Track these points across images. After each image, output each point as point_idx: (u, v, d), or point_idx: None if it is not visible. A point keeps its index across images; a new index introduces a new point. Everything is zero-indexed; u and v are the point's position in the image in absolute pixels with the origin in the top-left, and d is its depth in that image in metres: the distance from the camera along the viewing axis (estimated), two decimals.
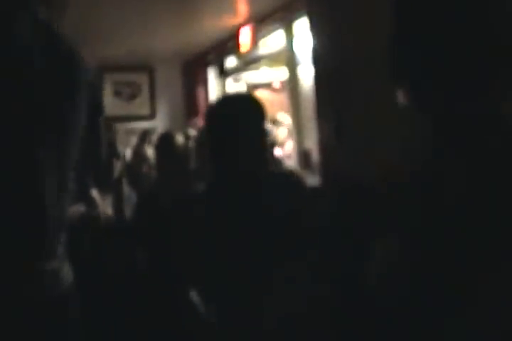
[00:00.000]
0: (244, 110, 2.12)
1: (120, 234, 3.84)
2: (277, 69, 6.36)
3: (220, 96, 2.59)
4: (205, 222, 2.06)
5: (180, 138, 4.23)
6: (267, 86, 6.61)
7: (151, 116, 7.83)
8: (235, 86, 6.92)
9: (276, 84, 6.56)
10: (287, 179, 2.25)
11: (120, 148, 4.91)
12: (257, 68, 6.47)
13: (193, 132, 4.54)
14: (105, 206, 4.07)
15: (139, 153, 4.98)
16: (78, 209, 3.59)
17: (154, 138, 5.74)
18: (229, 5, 5.01)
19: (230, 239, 2.01)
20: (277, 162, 4.87)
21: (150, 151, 5.45)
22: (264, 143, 2.17)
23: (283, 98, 5.87)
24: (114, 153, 4.34)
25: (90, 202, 3.73)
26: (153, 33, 5.93)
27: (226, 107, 2.18)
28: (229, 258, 2.01)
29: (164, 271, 2.58)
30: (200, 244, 2.02)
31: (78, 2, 4.41)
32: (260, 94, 6.41)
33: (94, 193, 3.92)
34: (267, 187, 2.10)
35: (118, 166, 4.59)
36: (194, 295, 1.97)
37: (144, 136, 5.71)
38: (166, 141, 4.11)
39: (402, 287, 1.01)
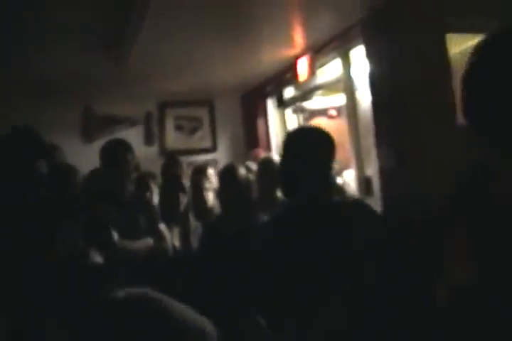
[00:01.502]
0: (314, 143, 2.20)
1: (187, 264, 3.90)
2: (333, 97, 6.38)
3: (291, 130, 2.70)
4: (273, 250, 2.08)
5: (242, 170, 4.29)
6: (324, 113, 6.63)
7: (213, 148, 7.95)
8: (293, 116, 6.96)
9: (333, 112, 6.57)
10: (356, 207, 2.29)
11: (185, 181, 5.00)
12: (314, 96, 6.50)
13: (253, 165, 4.59)
14: (173, 238, 4.16)
15: (200, 185, 5.04)
16: (147, 242, 3.70)
17: (216, 170, 5.83)
18: (286, 37, 5.08)
19: (298, 266, 2.02)
20: (340, 190, 4.85)
21: (210, 184, 5.53)
22: (331, 173, 2.23)
23: (339, 125, 5.88)
24: (180, 187, 4.43)
25: (158, 236, 3.82)
26: (213, 68, 6.08)
27: (296, 140, 2.25)
28: (297, 285, 2.02)
29: (230, 300, 2.60)
30: (267, 273, 2.04)
31: (140, 44, 4.63)
32: (318, 122, 6.44)
33: (162, 227, 4.02)
34: (335, 215, 2.14)
35: (184, 200, 4.67)
36: (260, 321, 1.98)
37: (201, 169, 5.76)
38: (229, 173, 4.17)
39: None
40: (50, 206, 2.36)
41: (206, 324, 1.05)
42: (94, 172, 4.01)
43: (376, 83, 4.28)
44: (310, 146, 2.21)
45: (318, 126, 3.19)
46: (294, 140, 2.29)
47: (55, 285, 2.26)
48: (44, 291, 2.18)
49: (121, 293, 1.28)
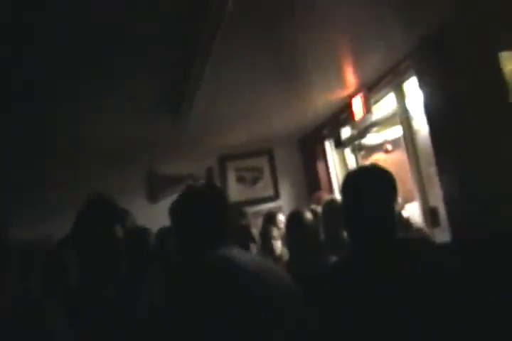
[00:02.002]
0: (375, 181, 2.20)
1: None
2: (386, 131, 6.34)
3: (350, 170, 2.71)
4: (343, 293, 2.04)
5: (308, 214, 4.28)
6: (380, 149, 6.58)
7: (275, 196, 7.97)
8: (352, 155, 6.92)
9: (389, 146, 6.52)
10: (423, 244, 2.25)
11: (254, 231, 5.00)
12: (370, 133, 6.47)
13: (318, 208, 4.56)
14: None
15: (269, 233, 5.03)
16: None
17: (280, 218, 5.83)
18: (338, 78, 5.14)
19: (370, 310, 1.96)
20: (407, 224, 4.74)
21: (276, 231, 5.52)
22: (395, 209, 2.19)
23: (396, 158, 5.83)
24: (250, 238, 4.43)
25: None
26: (269, 117, 6.18)
27: (357, 180, 2.25)
28: (369, 330, 1.96)
29: None
30: (338, 316, 1.99)
31: (198, 105, 4.77)
32: (376, 158, 6.39)
33: None
34: (404, 255, 2.09)
35: (254, 249, 4.66)
36: None
37: (270, 217, 5.80)
38: (295, 218, 4.20)
39: None
40: (131, 270, 2.42)
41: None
42: (162, 231, 4.06)
43: (432, 112, 4.25)
44: (372, 185, 2.20)
45: (375, 163, 3.21)
46: (354, 180, 2.28)
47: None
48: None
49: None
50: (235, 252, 2.10)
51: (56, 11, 2.89)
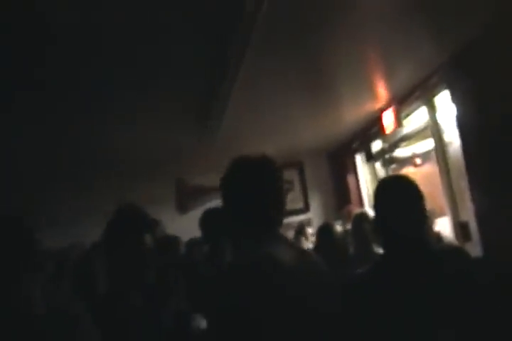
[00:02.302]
0: (408, 192, 2.21)
1: None
2: (415, 145, 6.31)
3: (380, 181, 2.71)
4: (376, 299, 2.04)
5: (338, 227, 4.29)
6: (409, 162, 6.55)
7: (305, 209, 7.97)
8: (382, 168, 6.89)
9: (418, 160, 6.49)
10: (457, 253, 2.24)
11: None
12: (401, 147, 6.45)
13: (347, 226, 4.56)
14: None
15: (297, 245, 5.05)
16: None
17: (309, 231, 5.85)
18: (369, 92, 5.15)
19: (403, 316, 1.96)
20: (438, 238, 4.70)
21: (305, 243, 5.54)
22: (426, 220, 2.21)
23: (426, 172, 5.80)
24: None
25: None
26: (299, 130, 6.20)
27: (390, 191, 2.26)
28: (403, 334, 1.96)
29: None
30: (371, 323, 1.99)
31: (228, 118, 4.81)
32: (407, 172, 6.34)
33: None
34: (437, 262, 2.10)
35: None
36: None
37: (300, 229, 5.86)
38: (326, 230, 4.23)
39: None
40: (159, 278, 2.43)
41: None
42: (192, 241, 4.08)
43: (464, 125, 4.22)
44: (404, 195, 2.21)
45: (403, 175, 3.19)
46: (386, 191, 2.29)
47: None
48: None
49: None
50: (283, 250, 1.91)
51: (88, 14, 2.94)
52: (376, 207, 2.28)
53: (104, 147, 5.68)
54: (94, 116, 4.66)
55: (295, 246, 2.21)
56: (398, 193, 2.22)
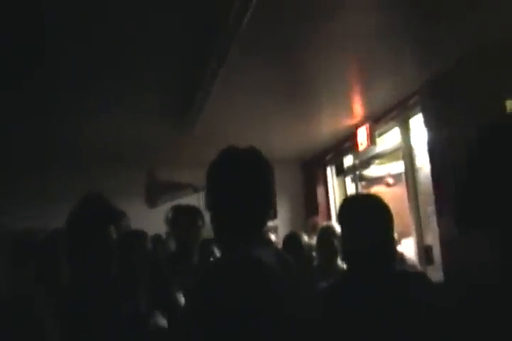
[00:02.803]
0: (374, 210, 2.20)
1: None
2: (390, 165, 6.38)
3: (348, 197, 2.68)
4: (333, 318, 2.06)
5: (305, 238, 4.30)
6: (381, 181, 6.62)
7: (273, 215, 7.93)
8: (352, 184, 6.96)
9: (390, 180, 6.56)
10: (420, 278, 2.26)
11: None
12: (373, 164, 6.51)
13: (312, 238, 4.57)
14: None
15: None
16: None
17: (273, 237, 5.83)
18: (345, 108, 5.21)
19: (359, 336, 1.99)
20: (401, 258, 4.75)
21: None
22: (392, 240, 2.21)
23: (396, 193, 5.85)
24: None
25: None
26: (274, 137, 6.21)
27: (356, 208, 2.25)
28: None
29: None
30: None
31: (205, 114, 4.81)
32: (376, 190, 6.41)
33: None
34: (397, 286, 2.10)
35: None
36: None
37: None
38: (293, 240, 4.22)
39: None
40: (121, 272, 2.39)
41: None
42: (157, 238, 4.05)
43: (435, 150, 4.27)
44: (371, 214, 2.19)
45: (373, 193, 3.18)
46: (353, 208, 2.27)
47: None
48: None
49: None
50: (266, 253, 1.76)
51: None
52: (343, 222, 2.27)
53: (78, 136, 5.65)
54: (69, 106, 4.65)
55: (277, 248, 2.07)
56: (368, 211, 2.20)
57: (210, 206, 1.83)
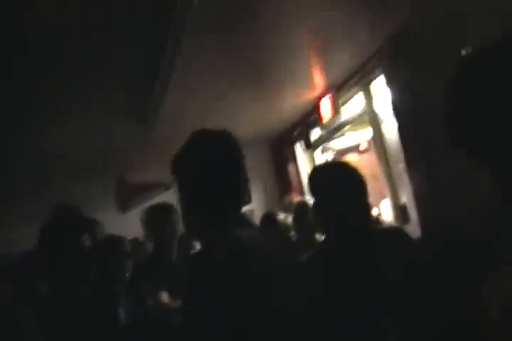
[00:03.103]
0: (341, 176, 2.18)
1: None
2: (361, 131, 6.37)
3: (316, 167, 2.66)
4: (316, 283, 2.04)
5: (281, 216, 4.33)
6: (354, 149, 6.61)
7: (248, 199, 7.90)
8: (323, 156, 6.93)
9: (363, 145, 6.56)
10: (396, 234, 2.26)
11: None
12: (341, 134, 6.49)
13: (289, 215, 4.56)
14: None
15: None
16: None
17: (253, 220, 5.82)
18: (306, 79, 5.13)
19: (345, 296, 1.99)
20: (378, 221, 4.80)
21: None
22: (367, 202, 2.18)
23: (371, 157, 5.85)
24: None
25: None
26: (239, 120, 6.15)
27: (326, 176, 2.24)
28: (343, 314, 1.98)
29: None
30: (313, 304, 1.99)
31: (166, 107, 4.72)
32: (350, 159, 6.40)
33: None
34: (377, 243, 2.11)
35: None
36: None
37: None
38: (268, 220, 4.26)
39: None
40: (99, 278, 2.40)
41: None
42: (135, 241, 4.00)
43: (399, 109, 4.27)
44: (341, 180, 2.17)
45: (341, 160, 3.15)
46: (323, 175, 2.25)
47: None
48: None
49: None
50: (247, 234, 1.72)
51: None
52: (316, 193, 2.23)
53: (39, 147, 5.51)
54: (28, 116, 4.51)
55: (256, 227, 2.05)
56: (338, 177, 2.18)
57: (182, 193, 1.79)
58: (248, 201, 1.79)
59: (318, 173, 2.30)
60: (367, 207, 2.19)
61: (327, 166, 2.48)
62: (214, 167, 1.74)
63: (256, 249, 1.67)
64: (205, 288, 1.58)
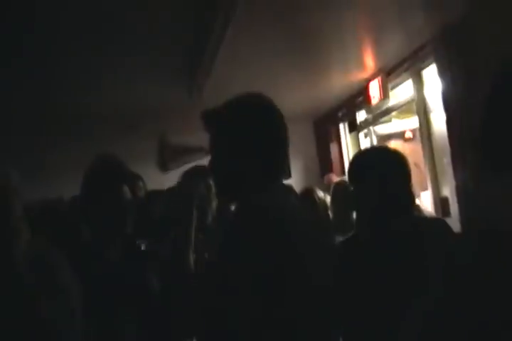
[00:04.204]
0: (390, 162, 2.14)
1: None
2: (408, 119, 6.32)
3: (362, 149, 2.61)
4: (351, 267, 2.06)
5: (320, 192, 4.31)
6: (399, 136, 6.56)
7: (287, 174, 7.94)
8: (367, 140, 6.90)
9: (408, 134, 6.51)
10: (438, 225, 2.23)
11: None
12: (388, 120, 6.45)
13: (328, 195, 4.56)
14: None
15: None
16: None
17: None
18: (356, 60, 5.11)
19: (375, 285, 2.00)
20: (419, 210, 4.76)
21: None
22: (410, 190, 2.15)
23: (415, 147, 5.80)
24: None
25: None
26: (285, 95, 6.11)
27: (369, 158, 2.22)
28: (375, 301, 2.00)
29: None
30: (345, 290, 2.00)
31: (214, 75, 4.75)
32: (393, 145, 6.35)
33: None
34: (416, 232, 2.08)
35: None
36: None
37: None
38: (307, 195, 4.23)
39: None
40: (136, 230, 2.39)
41: None
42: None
43: (450, 102, 4.19)
44: (387, 165, 2.13)
45: (387, 146, 3.11)
46: (368, 160, 2.21)
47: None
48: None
49: None
50: (288, 203, 1.70)
51: None
52: (356, 176, 2.20)
53: (86, 104, 5.63)
54: (79, 69, 4.59)
55: (297, 198, 2.00)
56: (383, 163, 2.14)
57: (221, 153, 1.72)
58: (288, 176, 1.80)
59: (364, 156, 2.28)
60: (410, 197, 2.16)
61: (373, 150, 2.44)
62: (252, 127, 1.67)
63: (295, 218, 1.64)
64: (239, 253, 1.55)
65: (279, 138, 1.70)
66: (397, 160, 2.16)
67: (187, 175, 3.64)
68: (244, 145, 1.66)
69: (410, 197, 2.17)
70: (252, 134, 1.66)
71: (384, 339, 1.91)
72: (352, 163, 2.25)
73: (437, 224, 2.26)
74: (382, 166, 2.12)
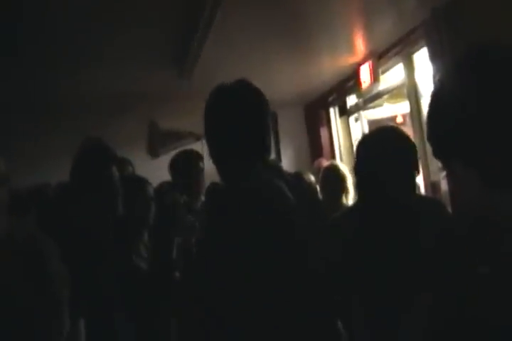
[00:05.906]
0: (394, 139, 2.17)
1: None
2: (399, 104, 6.31)
3: (371, 131, 2.62)
4: (351, 246, 2.06)
5: (309, 176, 4.32)
6: (390, 121, 6.55)
7: (277, 159, 7.94)
8: (357, 124, 6.89)
9: (399, 119, 6.50)
10: (434, 204, 2.30)
11: None
12: (378, 104, 6.44)
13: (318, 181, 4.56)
14: None
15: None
16: None
17: None
18: (347, 44, 5.08)
19: (377, 261, 2.01)
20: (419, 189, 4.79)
21: None
22: (414, 169, 2.17)
23: (407, 132, 5.79)
24: None
25: None
26: (275, 79, 6.11)
27: (381, 140, 2.20)
28: (375, 278, 2.01)
29: None
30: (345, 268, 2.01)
31: (204, 59, 4.71)
32: None
33: None
34: (415, 210, 2.11)
35: None
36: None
37: None
38: (297, 177, 4.24)
39: None
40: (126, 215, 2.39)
41: None
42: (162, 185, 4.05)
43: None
44: (396, 146, 2.14)
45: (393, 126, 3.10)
46: (378, 140, 2.22)
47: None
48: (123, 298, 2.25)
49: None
50: (276, 182, 1.79)
51: None
52: (363, 156, 2.21)
53: (75, 85, 5.57)
54: (68, 54, 4.55)
55: (286, 173, 2.10)
56: (390, 143, 2.15)
57: (211, 140, 1.84)
58: (278, 161, 1.90)
59: (374, 137, 2.29)
60: (414, 176, 2.16)
61: (384, 130, 2.44)
62: (245, 114, 1.82)
63: (283, 197, 1.72)
64: (226, 231, 1.63)
65: (259, 123, 1.84)
66: (402, 139, 2.19)
67: (177, 159, 3.65)
68: (224, 131, 1.82)
69: (415, 175, 2.18)
70: (230, 120, 1.81)
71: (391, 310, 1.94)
72: (361, 142, 2.29)
73: (433, 203, 2.34)
74: (387, 145, 2.13)
